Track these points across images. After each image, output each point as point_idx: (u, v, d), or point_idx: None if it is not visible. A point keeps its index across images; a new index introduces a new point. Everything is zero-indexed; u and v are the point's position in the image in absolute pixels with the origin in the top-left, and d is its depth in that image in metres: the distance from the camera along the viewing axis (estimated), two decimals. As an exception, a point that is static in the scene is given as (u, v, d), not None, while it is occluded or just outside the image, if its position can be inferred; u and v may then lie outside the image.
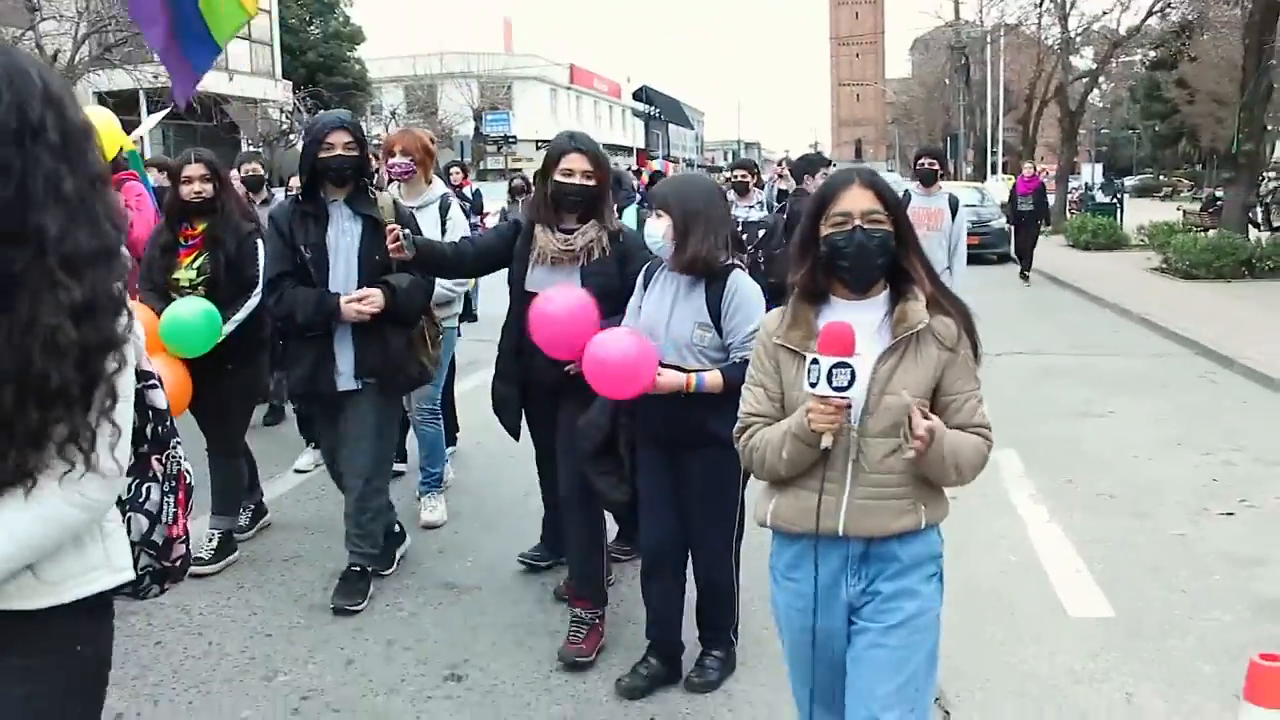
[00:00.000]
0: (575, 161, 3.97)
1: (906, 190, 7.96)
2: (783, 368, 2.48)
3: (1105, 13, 30.22)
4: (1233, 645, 4.01)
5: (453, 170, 13.34)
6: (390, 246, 3.99)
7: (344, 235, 4.38)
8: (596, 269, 3.99)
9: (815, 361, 2.25)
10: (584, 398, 3.72)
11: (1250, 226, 20.33)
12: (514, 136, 49.69)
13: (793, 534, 2.48)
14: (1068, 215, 28.59)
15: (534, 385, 4.14)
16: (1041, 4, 31.24)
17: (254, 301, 4.80)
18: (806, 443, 2.34)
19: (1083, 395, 8.60)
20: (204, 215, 4.77)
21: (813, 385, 2.26)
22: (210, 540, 4.92)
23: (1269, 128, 26.63)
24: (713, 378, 3.39)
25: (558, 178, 3.99)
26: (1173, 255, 16.97)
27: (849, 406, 2.29)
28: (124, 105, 22.36)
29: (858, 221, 2.39)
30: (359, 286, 4.36)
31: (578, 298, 3.68)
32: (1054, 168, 33.65)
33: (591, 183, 3.99)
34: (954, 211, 7.86)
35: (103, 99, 22.51)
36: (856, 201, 2.41)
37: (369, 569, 4.67)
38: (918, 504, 2.43)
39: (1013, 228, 18.42)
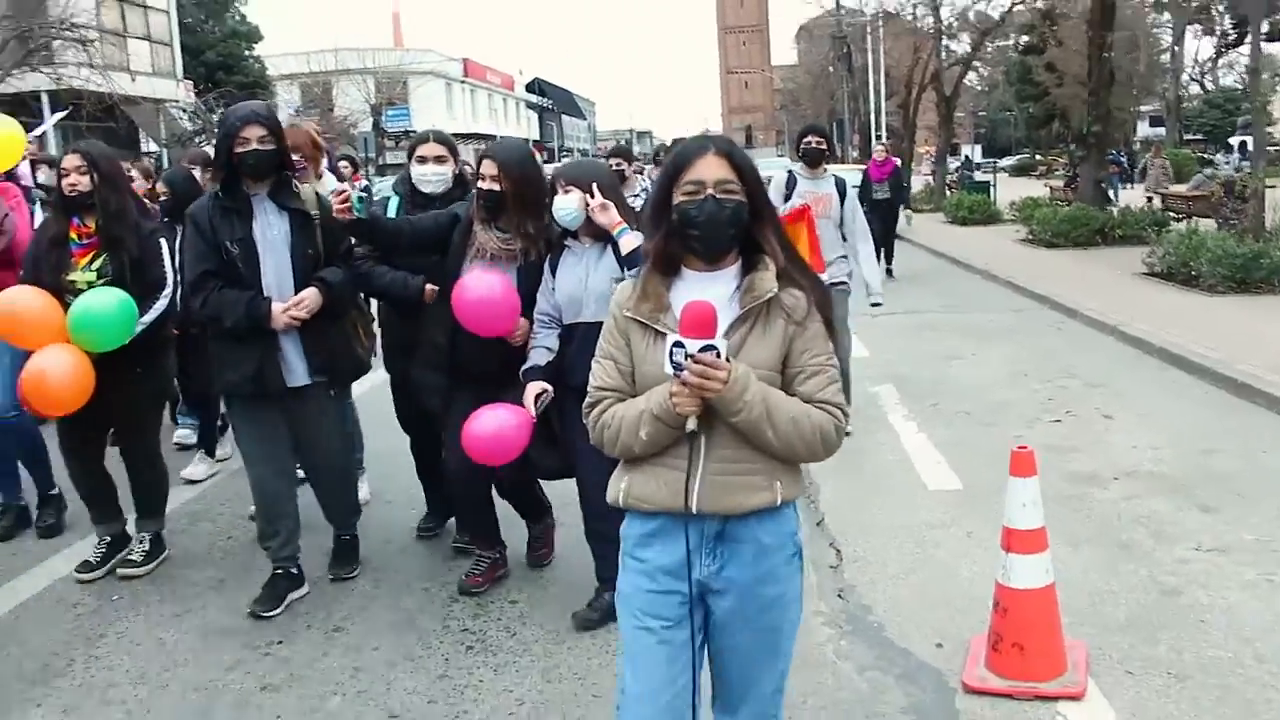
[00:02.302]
0: (485, 167, 4.16)
1: (791, 173, 7.21)
2: (633, 341, 2.40)
3: (975, 1, 32.31)
4: (1049, 500, 5.43)
5: (342, 165, 13.16)
6: (338, 207, 4.06)
7: (270, 229, 4.31)
8: (534, 269, 4.16)
9: (680, 344, 2.21)
10: (509, 383, 4.06)
11: (1107, 199, 22.54)
12: (414, 130, 50.19)
13: (646, 512, 2.41)
14: (947, 193, 30.47)
15: (461, 373, 4.32)
16: (915, -6, 33.17)
17: (163, 303, 4.71)
18: (669, 424, 2.29)
19: (951, 343, 10.16)
20: (91, 211, 4.60)
21: (676, 369, 2.22)
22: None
23: (1119, 110, 29.11)
24: (633, 236, 3.75)
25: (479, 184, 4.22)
26: (1036, 227, 18.81)
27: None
28: (21, 106, 22.65)
29: (710, 191, 2.32)
30: (294, 282, 4.32)
31: (497, 278, 4.05)
32: (933, 149, 35.67)
33: (497, 187, 4.13)
34: (843, 195, 7.00)
35: (2, 101, 22.77)
36: (710, 170, 2.33)
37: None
38: (773, 480, 2.36)
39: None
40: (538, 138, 70.05)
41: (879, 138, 25.55)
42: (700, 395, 2.22)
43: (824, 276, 6.39)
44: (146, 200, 6.65)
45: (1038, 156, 67.30)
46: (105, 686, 3.91)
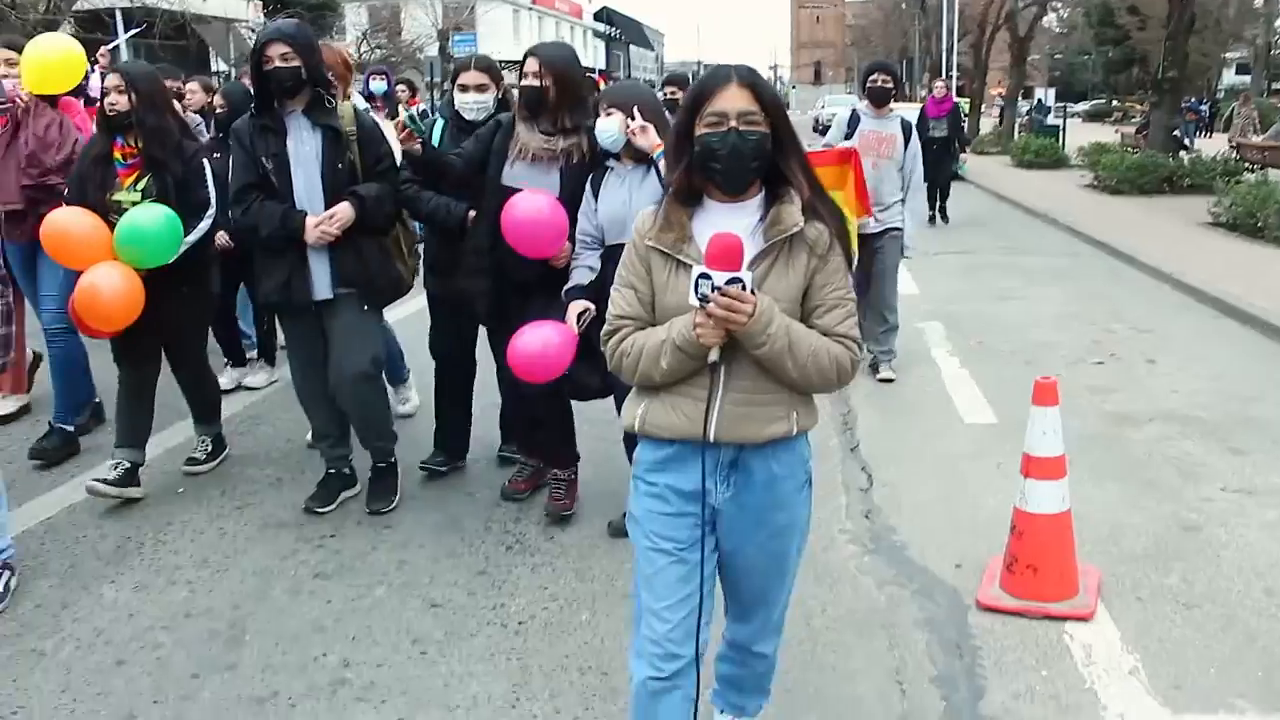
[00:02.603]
0: (529, 64, 4.23)
1: (855, 111, 7.05)
2: (654, 270, 2.41)
3: (1055, -60, 31.41)
4: (1083, 437, 5.53)
5: (400, 89, 13.04)
6: (401, 136, 4.16)
7: (303, 145, 4.38)
8: (576, 172, 4.20)
9: (705, 275, 2.21)
10: (553, 292, 4.12)
11: (1182, 147, 22.08)
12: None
13: (663, 439, 2.45)
14: (1016, 136, 29.95)
15: (504, 280, 4.33)
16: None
17: (207, 223, 4.73)
18: (691, 355, 2.31)
19: (1002, 284, 10.16)
20: (133, 130, 4.61)
21: (702, 301, 2.23)
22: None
23: (1204, 56, 28.13)
24: None
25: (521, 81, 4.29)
26: (1102, 173, 18.50)
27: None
28: (97, 23, 22.98)
29: (733, 123, 2.31)
30: (323, 197, 4.38)
31: (546, 198, 4.08)
32: (1005, 90, 34.98)
33: (539, 83, 4.19)
34: (907, 137, 6.80)
35: (79, 18, 23.15)
36: (733, 101, 2.32)
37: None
38: (790, 410, 2.40)
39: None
40: (604, 67, 69.55)
41: (944, 75, 24.68)
42: (725, 327, 2.24)
43: (875, 220, 6.51)
44: (202, 113, 6.98)
45: (1114, 102, 65.73)
46: (171, 569, 4.20)
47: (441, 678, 3.41)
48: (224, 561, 4.26)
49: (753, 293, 2.24)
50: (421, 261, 5.13)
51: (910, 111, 18.74)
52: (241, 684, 3.38)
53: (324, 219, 4.32)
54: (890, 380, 6.70)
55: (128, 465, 4.82)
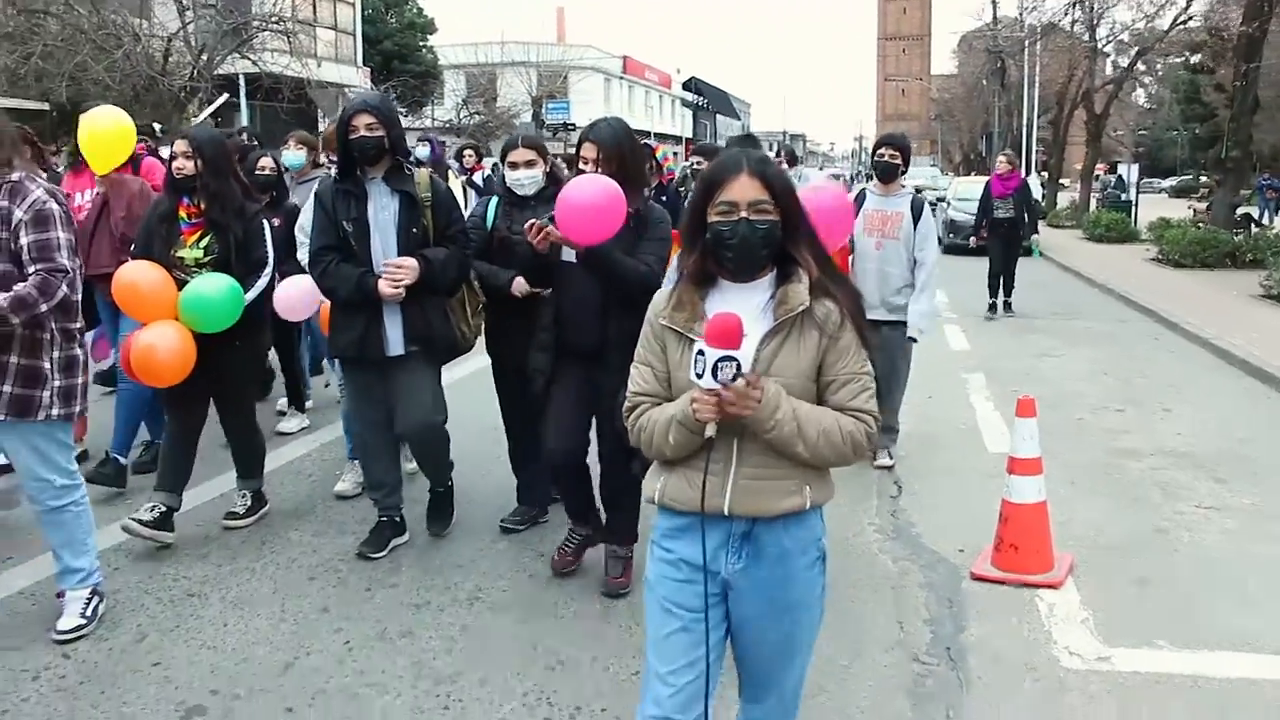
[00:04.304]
0: (586, 150, 4.44)
1: (863, 190, 6.78)
2: (669, 349, 2.48)
3: (1134, 22, 32.19)
4: (1094, 471, 6.47)
5: (466, 154, 13.29)
6: (536, 239, 4.22)
7: (383, 211, 4.63)
8: (619, 237, 4.16)
9: (701, 353, 2.26)
10: (612, 361, 4.06)
11: (1252, 223, 22.79)
12: (573, 124, 52.13)
13: (679, 512, 2.49)
14: (1090, 210, 30.62)
15: (567, 349, 4.45)
16: (1073, 8, 33.13)
17: (264, 281, 5.01)
18: (691, 430, 2.36)
19: (1048, 344, 11.11)
20: (196, 192, 4.88)
21: (698, 376, 2.28)
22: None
23: None
24: None
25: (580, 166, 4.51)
26: (1166, 247, 19.26)
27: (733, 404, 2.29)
28: (227, 86, 25.07)
29: (744, 213, 2.38)
30: (398, 257, 4.63)
31: (604, 181, 4.08)
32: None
33: (594, 169, 4.36)
34: (917, 215, 6.37)
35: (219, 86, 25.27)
36: (744, 191, 2.39)
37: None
38: (803, 485, 2.44)
39: (987, 243, 13.40)
40: (691, 135, 71.49)
41: (1007, 148, 24.27)
42: (730, 413, 2.31)
43: (885, 310, 6.31)
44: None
45: (1202, 178, 65.57)
46: (340, 522, 5.39)
47: (547, 588, 4.50)
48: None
49: (758, 378, 2.33)
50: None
51: (974, 186, 18.37)
52: (402, 594, 4.54)
53: (394, 264, 4.56)
54: (889, 468, 6.44)
55: (163, 509, 4.98)
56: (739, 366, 2.25)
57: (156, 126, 8.31)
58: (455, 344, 4.98)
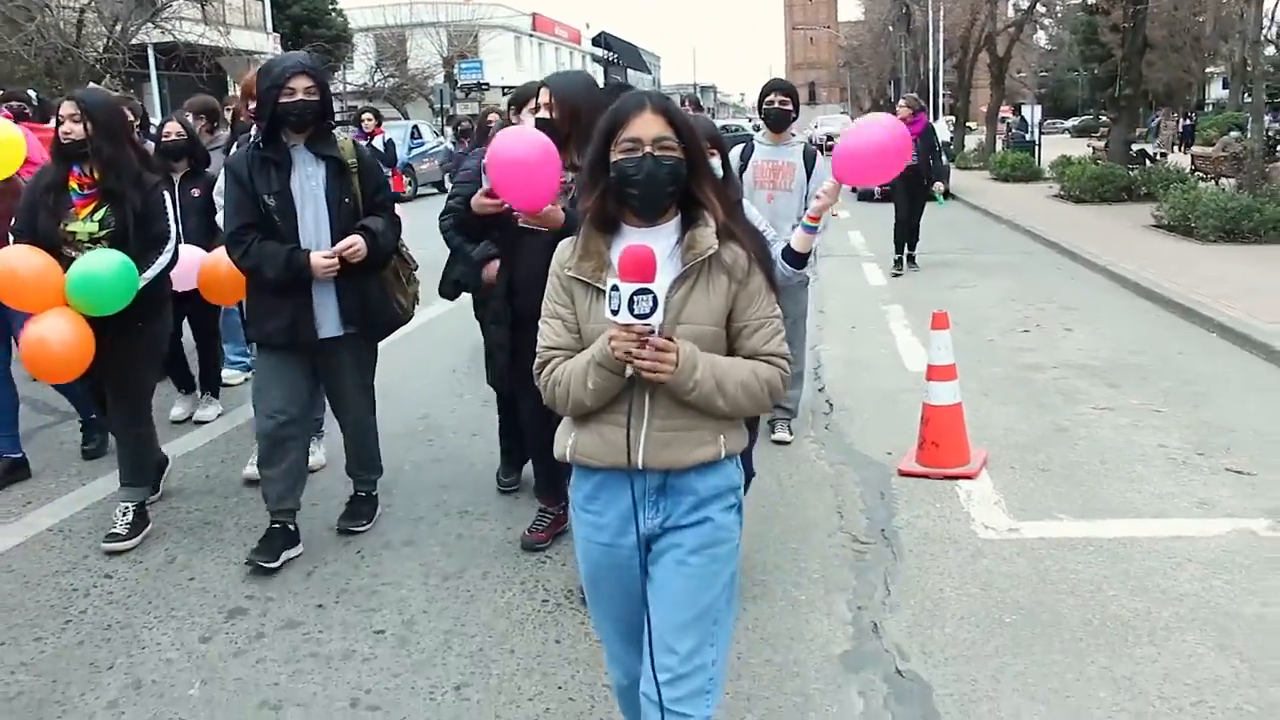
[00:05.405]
0: (542, 95, 4.10)
1: (749, 139, 6.26)
2: (577, 300, 2.42)
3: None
4: (1004, 382, 7.20)
5: (365, 117, 13.12)
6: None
7: (309, 180, 4.24)
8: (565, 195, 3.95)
9: (615, 288, 2.20)
10: None
11: (1145, 158, 24.00)
12: (487, 83, 52.04)
13: (592, 468, 2.45)
14: (995, 151, 31.70)
15: (522, 320, 3.97)
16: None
17: (165, 258, 4.52)
18: (611, 370, 2.30)
19: (960, 276, 11.91)
20: (88, 160, 4.39)
21: (614, 313, 2.21)
22: (124, 515, 4.69)
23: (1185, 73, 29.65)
24: None
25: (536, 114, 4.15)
26: (1067, 183, 20.28)
27: (652, 333, 2.23)
28: (134, 59, 24.86)
29: (648, 149, 2.33)
30: (331, 232, 4.26)
31: (538, 138, 3.59)
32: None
33: (547, 115, 4.00)
34: (809, 164, 5.87)
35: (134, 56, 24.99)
36: (647, 127, 2.34)
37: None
38: (717, 435, 2.41)
39: (893, 190, 12.43)
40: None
41: (905, 94, 24.74)
42: (646, 377, 2.27)
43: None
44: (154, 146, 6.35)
45: (1102, 117, 67.62)
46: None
47: (529, 504, 5.05)
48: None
49: (671, 340, 2.27)
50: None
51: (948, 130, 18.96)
52: (399, 511, 5.08)
53: (341, 247, 4.21)
54: (786, 443, 5.96)
55: (135, 510, 4.72)
56: (655, 299, 2.18)
57: (32, 94, 7.67)
58: (394, 319, 4.66)
